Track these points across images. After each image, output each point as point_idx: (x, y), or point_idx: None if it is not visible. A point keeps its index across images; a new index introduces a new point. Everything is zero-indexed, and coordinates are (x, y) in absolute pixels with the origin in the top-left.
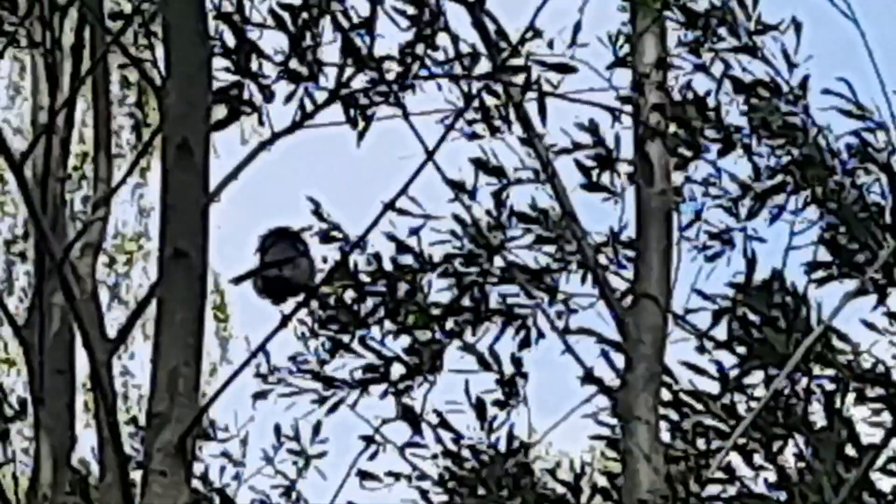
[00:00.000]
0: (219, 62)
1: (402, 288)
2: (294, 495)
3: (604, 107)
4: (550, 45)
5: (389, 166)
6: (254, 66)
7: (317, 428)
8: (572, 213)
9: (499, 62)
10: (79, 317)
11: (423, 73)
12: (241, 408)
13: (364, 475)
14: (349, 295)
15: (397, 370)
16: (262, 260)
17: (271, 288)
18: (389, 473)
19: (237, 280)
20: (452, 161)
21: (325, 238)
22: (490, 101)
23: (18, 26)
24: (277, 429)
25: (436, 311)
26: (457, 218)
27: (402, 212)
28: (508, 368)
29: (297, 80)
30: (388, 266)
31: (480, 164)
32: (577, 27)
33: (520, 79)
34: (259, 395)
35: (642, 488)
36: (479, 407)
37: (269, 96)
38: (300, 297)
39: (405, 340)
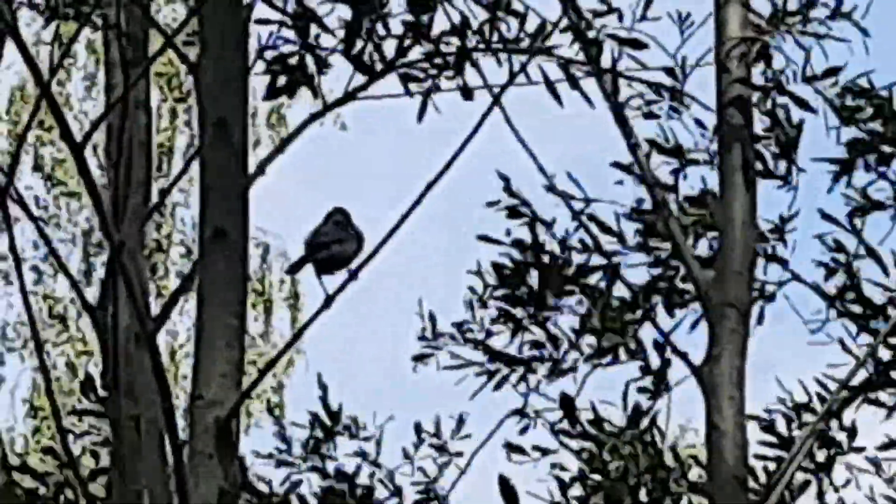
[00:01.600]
0: (265, 29)
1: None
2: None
3: (666, 88)
4: (620, 17)
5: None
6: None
7: (460, 422)
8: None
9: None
10: (133, 296)
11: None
12: (380, 407)
13: (512, 448)
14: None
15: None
16: (311, 242)
17: (324, 267)
18: (537, 448)
19: (291, 269)
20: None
21: (513, 213)
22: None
23: (94, 7)
24: (418, 427)
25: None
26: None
27: (564, 195)
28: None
29: (355, 59)
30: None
31: (655, 144)
32: (648, 1)
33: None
34: (419, 358)
35: (728, 465)
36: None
37: (324, 67)
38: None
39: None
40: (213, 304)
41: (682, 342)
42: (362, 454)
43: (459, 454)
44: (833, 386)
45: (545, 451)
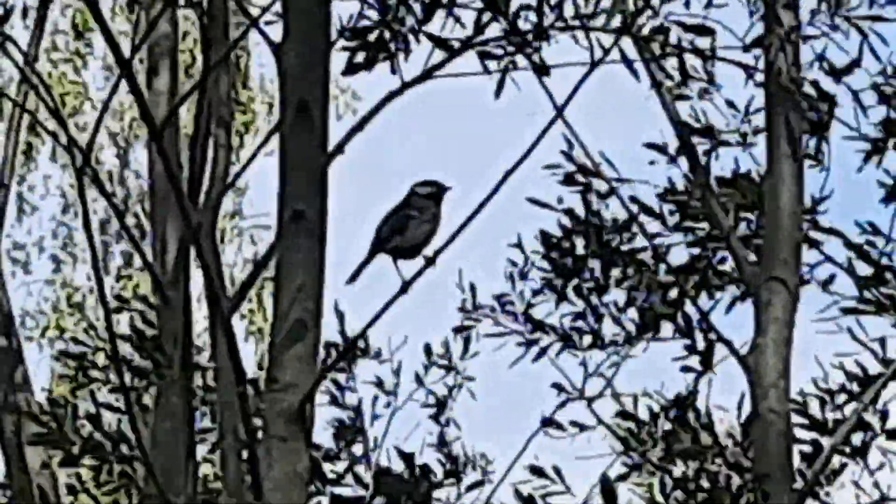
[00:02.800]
0: (346, 7)
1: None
2: (444, 419)
3: (739, 64)
4: (687, 4)
5: (525, 120)
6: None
7: (467, 342)
8: None
9: (630, 20)
10: (209, 276)
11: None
12: (394, 333)
13: (549, 422)
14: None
15: (607, 328)
16: (377, 232)
17: (397, 256)
18: (575, 423)
19: (351, 279)
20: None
21: (568, 180)
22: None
23: None
24: (428, 347)
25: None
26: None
27: (597, 174)
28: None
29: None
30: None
31: (686, 125)
32: None
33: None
34: (460, 330)
35: (773, 454)
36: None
37: (405, 44)
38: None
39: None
40: (290, 286)
41: (720, 322)
42: (379, 383)
43: (471, 378)
44: (873, 368)
45: (582, 427)
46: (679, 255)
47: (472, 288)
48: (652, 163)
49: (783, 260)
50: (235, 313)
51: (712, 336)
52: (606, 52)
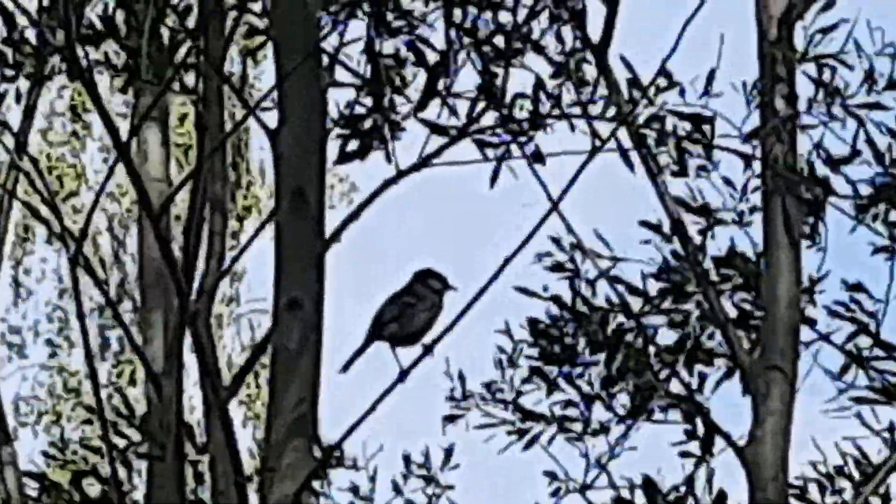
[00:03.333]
0: (342, 95)
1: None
2: None
3: (736, 152)
4: (682, 93)
5: (520, 207)
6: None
7: (449, 453)
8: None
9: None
10: (206, 365)
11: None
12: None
13: None
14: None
15: (598, 413)
16: (375, 318)
17: (395, 343)
18: None
19: (345, 367)
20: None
21: (556, 268)
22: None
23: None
24: (407, 458)
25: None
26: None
27: (594, 254)
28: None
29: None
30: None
31: (683, 203)
32: (711, 76)
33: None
34: (450, 419)
35: None
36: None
37: (398, 131)
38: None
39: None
40: (286, 375)
41: (717, 404)
42: (354, 489)
43: (451, 487)
44: (875, 453)
45: None
46: (669, 335)
47: (461, 376)
48: (647, 241)
49: (780, 350)
50: (233, 398)
51: (711, 420)
52: (604, 141)
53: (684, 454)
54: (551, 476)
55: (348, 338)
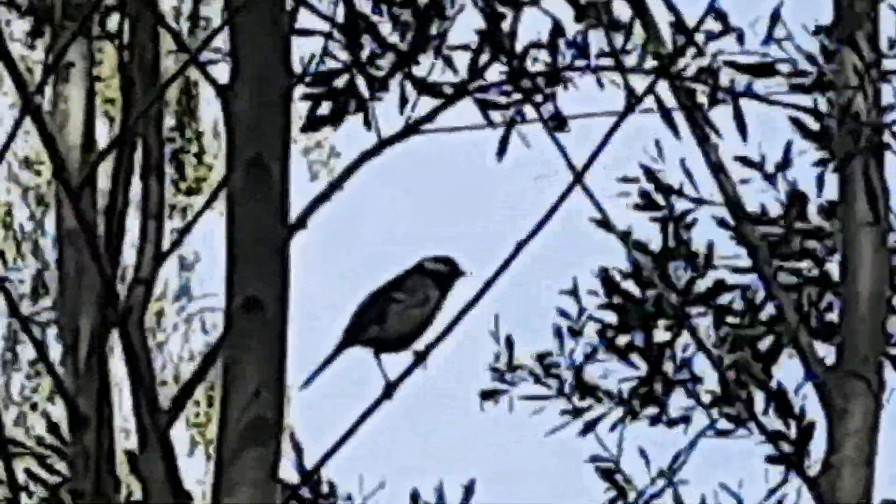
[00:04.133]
0: (305, 44)
1: None
2: None
3: (805, 109)
4: (740, 39)
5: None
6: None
7: (469, 490)
8: None
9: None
10: (140, 380)
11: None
12: (367, 470)
13: None
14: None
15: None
16: (350, 328)
17: (378, 350)
18: None
19: (307, 383)
20: None
21: (648, 203)
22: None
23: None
24: (415, 497)
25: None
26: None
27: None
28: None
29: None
30: None
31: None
32: (776, 17)
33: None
34: (489, 395)
35: None
36: None
37: (378, 90)
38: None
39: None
40: (241, 393)
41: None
42: None
43: None
44: None
45: None
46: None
47: (510, 343)
48: (745, 181)
49: (863, 356)
50: (175, 423)
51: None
52: (640, 98)
53: (772, 459)
54: (610, 479)
55: (319, 346)
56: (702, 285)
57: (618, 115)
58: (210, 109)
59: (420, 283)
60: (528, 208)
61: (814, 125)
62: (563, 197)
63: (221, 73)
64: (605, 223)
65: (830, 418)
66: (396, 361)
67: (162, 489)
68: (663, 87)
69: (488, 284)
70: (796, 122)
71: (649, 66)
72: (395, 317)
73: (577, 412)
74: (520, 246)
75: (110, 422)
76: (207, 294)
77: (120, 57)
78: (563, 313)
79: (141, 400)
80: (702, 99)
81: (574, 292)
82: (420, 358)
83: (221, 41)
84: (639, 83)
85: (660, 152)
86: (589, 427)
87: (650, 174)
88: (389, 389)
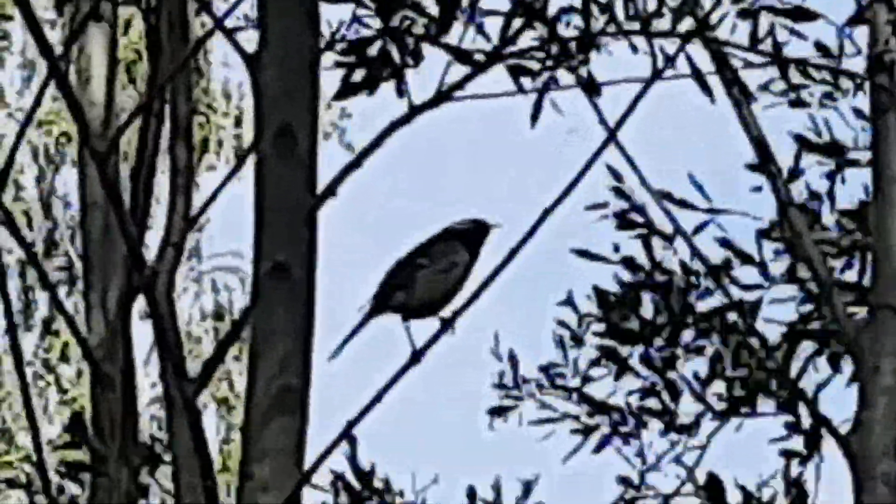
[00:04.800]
0: (333, 12)
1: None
2: None
3: (847, 73)
4: None
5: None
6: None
7: (528, 487)
8: None
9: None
10: (167, 347)
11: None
12: (420, 465)
13: None
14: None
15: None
16: (377, 295)
17: (405, 316)
18: None
19: (335, 353)
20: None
21: (623, 223)
22: None
23: None
24: (472, 493)
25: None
26: None
27: (684, 204)
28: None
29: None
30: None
31: (804, 141)
32: None
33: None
34: (497, 412)
35: None
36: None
37: (414, 58)
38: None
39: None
40: (268, 360)
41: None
42: None
43: None
44: None
45: None
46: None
47: (513, 358)
48: (757, 189)
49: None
50: (203, 390)
51: (816, 410)
52: (671, 59)
53: (787, 453)
54: (626, 483)
55: (346, 315)
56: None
57: (648, 79)
58: (220, 71)
59: (448, 248)
60: (557, 176)
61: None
62: (593, 158)
63: (249, 41)
64: (588, 252)
65: (862, 376)
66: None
67: (188, 456)
68: (700, 53)
69: (515, 251)
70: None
71: (683, 30)
72: (422, 283)
73: (587, 430)
74: (546, 212)
75: (133, 386)
76: (215, 255)
77: (147, 22)
78: (562, 323)
79: (168, 366)
80: (737, 63)
81: (570, 302)
82: (447, 324)
83: (249, 8)
84: (673, 48)
85: (631, 165)
86: (602, 445)
87: (621, 194)
88: (417, 356)
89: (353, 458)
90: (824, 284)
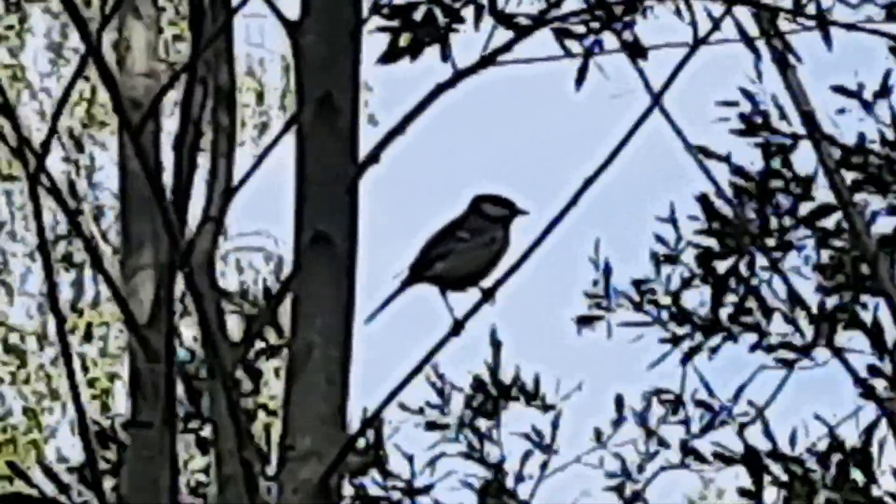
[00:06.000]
0: None
1: None
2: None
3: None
4: None
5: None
6: None
7: (677, 404)
8: None
9: None
10: (204, 316)
11: None
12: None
13: (689, 451)
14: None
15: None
16: (416, 264)
17: (443, 287)
18: (720, 456)
19: (370, 318)
20: None
21: (749, 127)
22: None
23: None
24: (619, 401)
25: None
26: None
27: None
28: None
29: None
30: None
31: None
32: None
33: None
34: (585, 321)
35: None
36: None
37: (455, 21)
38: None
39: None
40: (309, 329)
41: None
42: (537, 438)
43: (667, 445)
44: None
45: (729, 460)
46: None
47: (607, 268)
48: (841, 111)
49: None
50: (241, 362)
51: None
52: (717, 22)
53: (867, 395)
54: (705, 406)
55: (385, 284)
56: (805, 209)
57: (693, 43)
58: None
59: (483, 224)
60: (602, 141)
61: None
62: (638, 123)
63: (291, 8)
64: (705, 149)
65: None
66: (463, 299)
67: (226, 425)
68: (746, 16)
69: (557, 220)
70: (894, 51)
71: None
72: (461, 255)
73: (675, 340)
74: (589, 180)
75: (174, 355)
76: (241, 234)
77: None
78: (660, 239)
79: (207, 340)
80: (784, 26)
81: (671, 218)
82: (487, 295)
83: None
84: (720, 11)
85: (759, 75)
86: (689, 355)
87: (749, 97)
88: (457, 327)
89: (495, 367)
90: (873, 254)
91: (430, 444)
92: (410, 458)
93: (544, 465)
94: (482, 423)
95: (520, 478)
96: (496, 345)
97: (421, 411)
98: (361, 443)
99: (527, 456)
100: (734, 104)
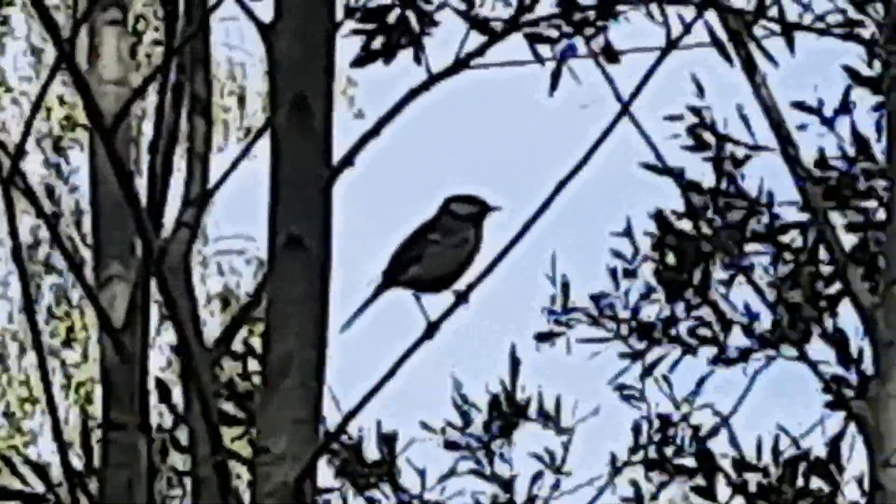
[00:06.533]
0: None
1: None
2: None
3: (860, 40)
4: None
5: (581, 120)
6: None
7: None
8: None
9: None
10: (178, 320)
11: None
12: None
13: (654, 464)
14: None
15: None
16: (389, 268)
17: (417, 290)
18: (680, 469)
19: (346, 325)
20: None
21: (698, 142)
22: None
23: None
24: (636, 427)
25: None
26: None
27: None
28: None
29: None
30: None
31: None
32: None
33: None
34: (544, 337)
35: None
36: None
37: (429, 24)
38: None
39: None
40: (283, 332)
41: None
42: (549, 458)
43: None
44: None
45: (691, 473)
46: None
47: (565, 284)
48: (802, 127)
49: None
50: (217, 365)
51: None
52: (687, 27)
53: (832, 404)
54: (664, 421)
55: (359, 288)
56: (758, 225)
57: (664, 47)
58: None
59: (455, 224)
60: (575, 146)
61: (868, 71)
62: (608, 130)
63: (265, 9)
64: (655, 166)
65: (877, 351)
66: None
67: (203, 430)
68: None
69: (529, 224)
70: (849, 70)
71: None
72: (433, 257)
73: (635, 355)
74: (560, 185)
75: (147, 359)
76: (222, 238)
77: None
78: (617, 254)
79: (182, 344)
80: (757, 32)
81: (628, 233)
82: (461, 298)
83: None
84: (691, 16)
85: (700, 89)
86: (649, 369)
87: (696, 112)
88: (431, 330)
89: (512, 384)
90: (843, 264)
91: (447, 461)
92: (422, 473)
93: (556, 485)
94: (495, 443)
95: (531, 499)
96: (514, 363)
97: (443, 431)
98: (373, 456)
99: (537, 477)
100: (679, 118)
